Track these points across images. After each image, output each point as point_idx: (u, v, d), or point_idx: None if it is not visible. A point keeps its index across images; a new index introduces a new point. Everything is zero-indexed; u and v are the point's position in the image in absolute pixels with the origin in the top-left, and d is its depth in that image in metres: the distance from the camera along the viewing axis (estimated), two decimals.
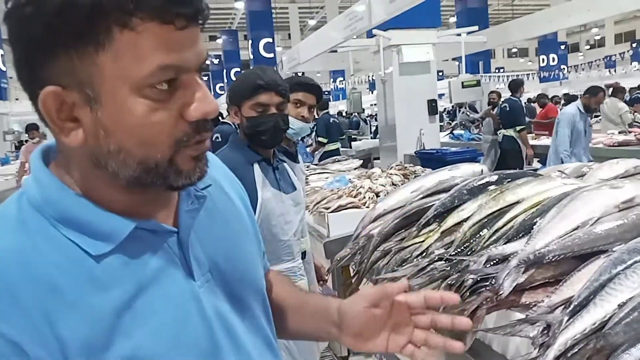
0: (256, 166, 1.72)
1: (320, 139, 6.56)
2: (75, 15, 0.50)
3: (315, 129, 6.53)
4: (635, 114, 7.96)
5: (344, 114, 13.56)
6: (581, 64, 20.57)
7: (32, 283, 0.53)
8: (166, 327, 0.59)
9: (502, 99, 7.60)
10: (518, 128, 6.53)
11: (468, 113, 8.91)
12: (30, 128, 8.00)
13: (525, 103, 8.57)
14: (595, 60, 20.09)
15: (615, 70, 18.56)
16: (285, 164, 1.86)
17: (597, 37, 34.64)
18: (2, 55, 14.05)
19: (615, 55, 20.36)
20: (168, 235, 0.63)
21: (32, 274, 0.54)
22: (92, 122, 0.55)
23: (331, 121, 6.95)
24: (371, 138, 9.57)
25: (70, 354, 0.53)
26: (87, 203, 0.58)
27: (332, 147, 6.55)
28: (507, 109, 6.72)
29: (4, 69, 14.24)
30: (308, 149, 6.98)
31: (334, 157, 4.82)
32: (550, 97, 12.24)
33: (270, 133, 1.69)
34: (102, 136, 0.55)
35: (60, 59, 0.53)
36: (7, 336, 0.51)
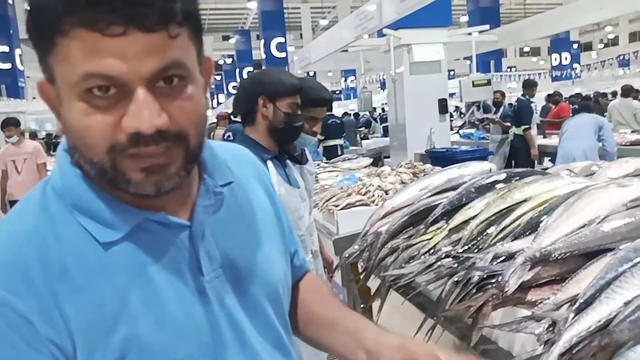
0: (269, 163, 1.75)
1: (320, 137, 7.59)
2: (29, 19, 0.55)
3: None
4: None
5: (350, 113, 13.65)
6: (594, 63, 20.35)
7: (45, 265, 0.56)
8: (169, 318, 0.61)
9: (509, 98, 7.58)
10: (522, 127, 6.48)
11: (476, 119, 8.86)
12: (7, 124, 5.77)
13: (544, 104, 8.49)
14: (609, 59, 19.86)
15: (629, 69, 18.32)
16: (288, 161, 1.89)
17: (611, 36, 34.16)
18: (19, 55, 14.24)
19: (629, 54, 20.11)
20: (180, 229, 0.64)
21: (45, 256, 0.57)
22: (61, 117, 0.59)
23: (329, 122, 7.95)
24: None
25: (75, 334, 0.56)
26: (100, 192, 0.61)
27: (330, 143, 7.78)
28: (516, 108, 6.73)
29: (21, 68, 14.43)
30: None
31: (344, 156, 4.84)
32: (568, 96, 12.10)
33: (299, 130, 1.82)
34: (66, 131, 0.59)
35: (40, 57, 0.58)
36: (20, 311, 0.54)
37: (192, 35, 0.59)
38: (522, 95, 6.84)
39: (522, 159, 6.48)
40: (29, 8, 0.55)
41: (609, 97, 12.42)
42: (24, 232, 0.58)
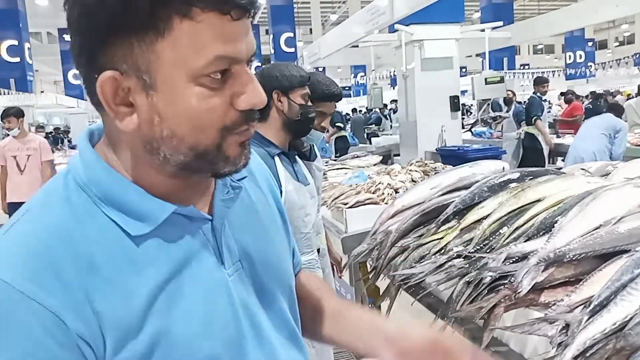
0: (277, 159, 1.74)
1: (338, 124, 8.16)
2: (138, 3, 0.52)
3: (330, 120, 7.93)
4: None
5: (361, 110, 13.68)
6: (609, 61, 20.10)
7: (73, 259, 0.55)
8: (197, 312, 0.60)
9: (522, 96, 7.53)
10: (533, 118, 6.42)
11: (489, 117, 8.86)
12: (6, 114, 4.88)
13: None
14: (624, 58, 19.61)
15: None
16: (297, 157, 1.88)
17: (627, 34, 33.72)
18: (28, 48, 14.34)
19: None
20: (203, 222, 0.65)
21: (73, 250, 0.55)
22: (147, 108, 0.56)
23: (344, 114, 8.89)
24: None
25: (107, 330, 0.55)
26: (130, 184, 0.60)
27: (343, 133, 8.54)
28: (526, 105, 6.68)
29: (30, 62, 14.53)
30: (325, 134, 7.73)
31: (353, 153, 4.82)
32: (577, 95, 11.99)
33: (313, 120, 1.81)
34: (157, 122, 0.57)
35: (120, 46, 0.54)
36: (50, 306, 0.52)
37: None
38: (533, 93, 6.77)
39: (532, 159, 6.42)
40: None
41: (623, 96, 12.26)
42: (49, 225, 0.57)
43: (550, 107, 12.21)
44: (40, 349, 0.52)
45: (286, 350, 0.71)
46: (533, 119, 6.37)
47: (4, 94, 13.49)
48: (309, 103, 1.79)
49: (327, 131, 8.08)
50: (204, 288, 0.62)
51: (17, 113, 4.92)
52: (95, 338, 0.54)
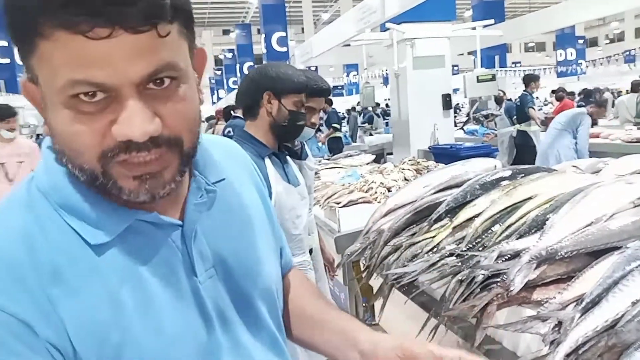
0: (267, 160, 1.72)
1: (334, 124, 8.27)
2: (8, 19, 0.52)
3: (327, 120, 8.35)
4: None
5: (355, 108, 13.66)
6: (600, 59, 20.27)
7: (36, 267, 0.54)
8: (165, 323, 0.59)
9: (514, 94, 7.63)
10: (526, 108, 6.55)
11: (481, 115, 8.95)
12: (11, 113, 4.39)
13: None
14: (615, 55, 19.78)
15: (635, 65, 18.24)
16: (288, 157, 1.87)
17: (617, 31, 34.01)
18: (17, 49, 14.25)
19: (635, 49, 20.02)
20: (172, 229, 0.62)
21: (36, 257, 0.54)
22: (47, 119, 0.56)
23: (338, 113, 8.94)
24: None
25: (74, 338, 0.53)
26: (89, 192, 0.58)
27: (339, 134, 8.57)
28: (519, 103, 6.72)
29: (20, 63, 14.43)
30: (319, 134, 7.88)
31: (346, 152, 4.82)
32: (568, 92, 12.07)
33: (302, 128, 1.80)
34: (53, 135, 0.56)
35: (26, 56, 0.54)
36: (19, 317, 0.51)
37: (182, 30, 0.55)
38: (524, 91, 6.81)
39: (525, 157, 6.46)
40: (5, 7, 0.51)
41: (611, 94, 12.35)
42: (12, 233, 0.55)
43: (545, 104, 12.24)
44: (12, 355, 0.50)
45: (264, 356, 0.70)
46: (527, 109, 6.44)
47: None
48: (303, 109, 1.77)
49: (320, 130, 8.11)
50: (172, 297, 0.60)
51: (15, 113, 4.33)
52: (65, 343, 0.53)
